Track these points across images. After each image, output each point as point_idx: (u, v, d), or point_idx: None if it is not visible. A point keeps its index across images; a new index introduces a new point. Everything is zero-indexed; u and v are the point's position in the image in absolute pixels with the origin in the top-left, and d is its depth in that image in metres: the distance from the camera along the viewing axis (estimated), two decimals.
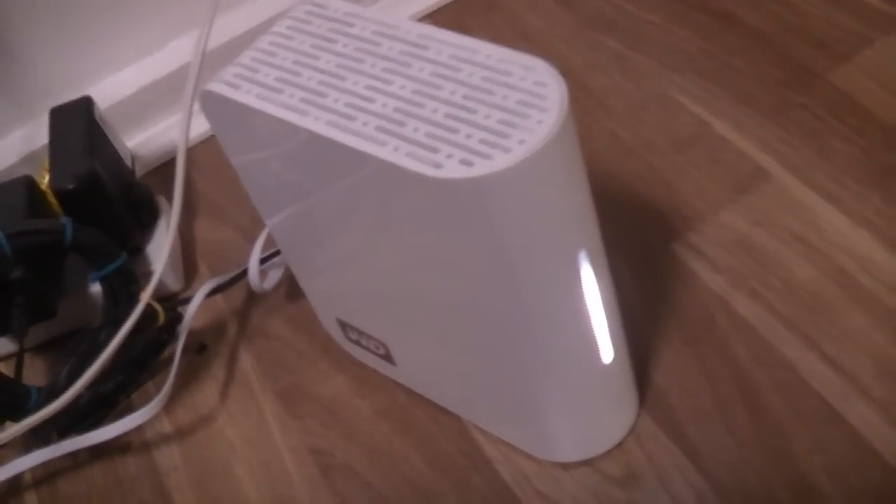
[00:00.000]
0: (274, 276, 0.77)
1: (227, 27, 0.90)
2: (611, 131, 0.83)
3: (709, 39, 0.89)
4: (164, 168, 0.92)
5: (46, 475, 0.74)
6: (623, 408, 0.65)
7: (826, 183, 0.75)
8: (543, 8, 0.97)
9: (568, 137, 0.48)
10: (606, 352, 0.59)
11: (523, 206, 0.48)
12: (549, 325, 0.55)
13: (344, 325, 0.71)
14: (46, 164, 0.77)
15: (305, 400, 0.73)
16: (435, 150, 0.47)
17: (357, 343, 0.71)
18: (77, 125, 0.79)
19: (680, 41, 0.89)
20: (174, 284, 0.82)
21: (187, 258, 0.85)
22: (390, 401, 0.72)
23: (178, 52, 0.92)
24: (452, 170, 0.46)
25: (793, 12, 0.88)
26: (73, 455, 0.73)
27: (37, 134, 0.86)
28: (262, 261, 0.76)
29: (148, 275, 0.80)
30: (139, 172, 0.88)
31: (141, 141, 0.92)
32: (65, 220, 0.71)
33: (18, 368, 0.72)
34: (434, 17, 0.99)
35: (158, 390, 0.73)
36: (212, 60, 0.62)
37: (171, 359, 0.75)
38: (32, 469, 0.73)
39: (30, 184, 0.77)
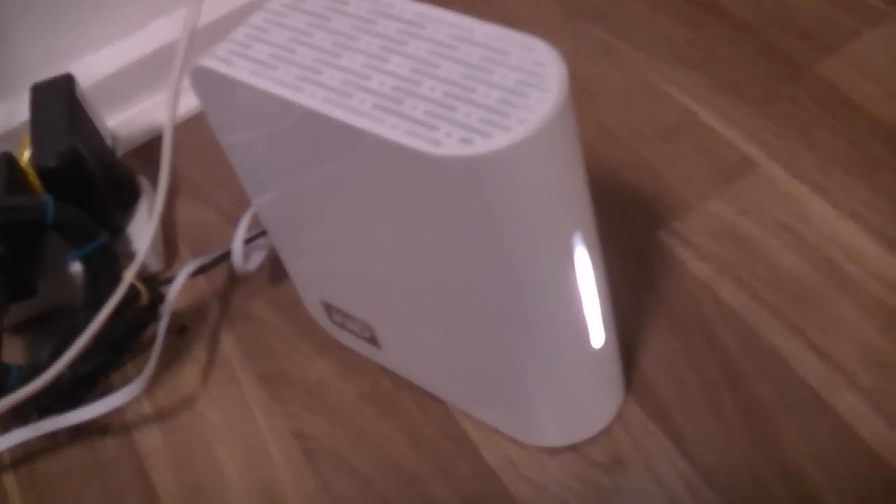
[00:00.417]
0: (257, 258, 0.77)
1: (215, 5, 0.90)
2: (597, 120, 0.83)
3: (694, 29, 0.89)
4: (145, 148, 0.91)
5: (25, 456, 0.73)
6: (610, 393, 0.65)
7: (813, 173, 0.75)
8: None
9: (567, 118, 0.48)
10: (597, 336, 0.59)
11: (522, 185, 0.48)
12: (543, 308, 0.55)
13: (329, 308, 0.70)
14: (26, 140, 0.76)
15: (288, 383, 0.73)
16: (434, 128, 0.47)
17: (342, 326, 0.71)
18: (58, 103, 0.77)
19: (665, 31, 0.89)
20: (155, 265, 0.81)
21: (167, 239, 0.84)
22: (374, 384, 0.71)
23: (160, 31, 0.91)
24: (452, 147, 0.46)
25: (778, 4, 0.88)
26: (53, 435, 0.72)
27: (16, 111, 0.85)
28: (246, 242, 0.75)
29: (128, 255, 0.79)
30: (119, 152, 0.87)
31: (121, 121, 0.91)
32: (46, 198, 0.70)
33: None
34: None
35: (139, 371, 0.73)
36: (198, 39, 0.62)
37: (151, 340, 0.74)
38: (11, 449, 0.72)
39: (9, 161, 0.75)
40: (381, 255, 0.58)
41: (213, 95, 0.57)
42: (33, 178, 0.75)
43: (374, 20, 0.53)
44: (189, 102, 0.59)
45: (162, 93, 0.93)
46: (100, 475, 0.71)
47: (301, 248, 0.67)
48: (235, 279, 0.80)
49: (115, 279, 0.71)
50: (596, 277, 0.56)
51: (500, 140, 0.46)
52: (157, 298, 0.75)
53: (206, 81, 0.56)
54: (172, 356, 0.76)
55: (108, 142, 0.83)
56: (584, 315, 0.57)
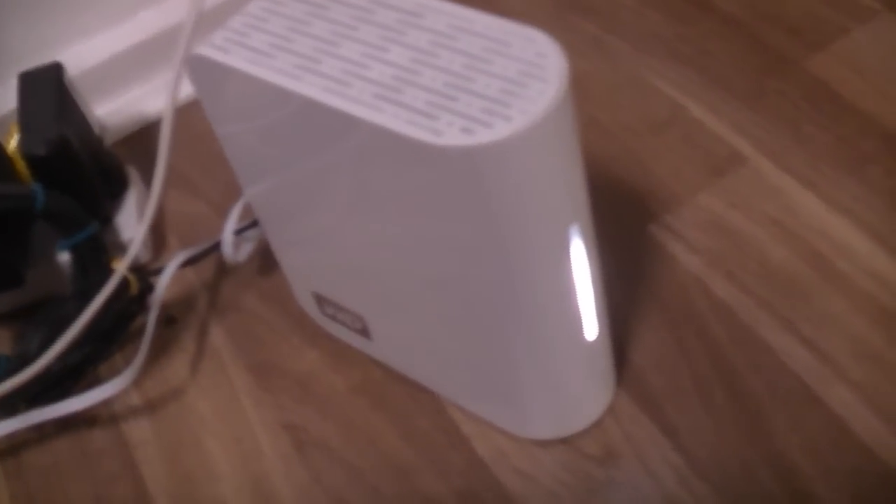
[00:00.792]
0: (247, 249, 0.76)
1: None
2: (588, 114, 0.83)
3: (684, 24, 0.89)
4: (133, 138, 0.90)
5: (11, 447, 0.72)
6: (602, 386, 0.65)
7: (802, 168, 0.75)
8: None
9: (568, 109, 0.48)
10: (590, 329, 0.59)
11: (522, 176, 0.48)
12: (538, 300, 0.55)
13: (320, 299, 0.70)
14: (13, 128, 0.75)
15: (278, 375, 0.73)
16: (434, 118, 0.47)
17: (332, 318, 0.71)
18: (47, 91, 0.77)
19: (656, 26, 0.89)
20: (143, 255, 0.80)
21: (156, 230, 0.83)
22: (365, 376, 0.71)
23: (149, 20, 0.91)
24: (453, 137, 0.46)
25: (768, 0, 0.88)
26: (40, 427, 0.72)
27: (4, 99, 0.84)
28: (236, 233, 0.75)
29: (116, 245, 0.79)
30: (107, 142, 0.87)
31: (110, 110, 0.91)
32: (35, 187, 0.70)
33: None
34: None
35: (127, 363, 0.72)
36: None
37: (140, 331, 0.74)
38: None
39: None
40: (376, 246, 0.58)
41: (209, 84, 0.57)
42: (21, 167, 0.74)
43: (372, 10, 0.53)
44: (180, 92, 0.59)
45: (151, 82, 0.92)
46: (88, 467, 0.71)
47: (293, 239, 0.66)
48: (225, 270, 0.80)
49: (104, 269, 0.71)
50: (591, 270, 0.56)
51: (501, 130, 0.46)
52: (147, 289, 0.74)
53: (202, 70, 0.55)
54: (161, 347, 0.76)
55: (97, 131, 0.82)
56: (578, 307, 0.57)
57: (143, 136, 0.90)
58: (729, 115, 0.80)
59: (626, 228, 0.75)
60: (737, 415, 0.64)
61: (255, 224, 0.75)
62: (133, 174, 0.84)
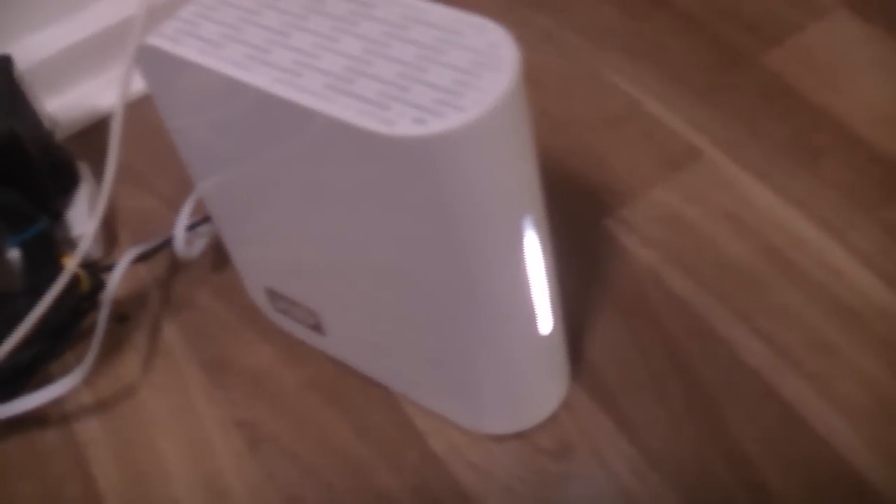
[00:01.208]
0: (200, 245, 0.75)
1: None
2: (542, 108, 0.83)
3: (639, 19, 0.89)
4: (85, 133, 0.89)
5: None
6: (556, 380, 0.65)
7: (758, 162, 0.76)
8: None
9: (520, 98, 0.47)
10: (545, 322, 0.59)
11: (475, 166, 0.47)
12: (492, 293, 0.54)
13: (273, 295, 0.69)
14: None
15: (231, 371, 0.72)
16: (386, 108, 0.47)
17: (285, 313, 0.70)
18: None
19: (610, 20, 0.90)
20: (94, 252, 0.79)
21: (107, 226, 0.82)
22: (318, 372, 0.70)
23: (101, 13, 0.89)
24: (405, 127, 0.46)
25: None
26: None
27: None
28: (189, 228, 0.74)
29: (67, 241, 0.78)
30: (58, 137, 0.85)
31: (61, 104, 0.89)
32: None
33: None
34: None
35: (79, 361, 0.71)
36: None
37: (91, 329, 0.73)
38: None
39: None
40: (329, 240, 0.58)
41: (159, 75, 0.56)
42: None
43: (324, 0, 0.53)
44: (132, 85, 0.58)
45: (103, 76, 0.91)
46: (38, 467, 0.70)
47: (247, 235, 0.66)
48: (177, 266, 0.79)
49: (55, 266, 0.70)
50: (545, 263, 0.56)
51: (454, 120, 0.45)
52: (98, 286, 0.73)
53: (152, 61, 0.55)
54: (113, 345, 0.75)
55: (48, 126, 0.81)
56: (532, 301, 0.56)
57: (95, 131, 0.88)
58: (685, 109, 0.80)
59: (581, 222, 0.75)
60: (692, 407, 0.64)
61: (207, 219, 0.74)
62: (84, 169, 0.83)
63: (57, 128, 0.83)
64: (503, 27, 0.49)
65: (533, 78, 0.85)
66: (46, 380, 0.71)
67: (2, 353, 0.65)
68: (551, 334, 0.60)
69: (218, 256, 0.77)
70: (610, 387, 0.66)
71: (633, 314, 0.69)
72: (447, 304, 0.55)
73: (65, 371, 0.71)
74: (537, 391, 0.64)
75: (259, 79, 0.50)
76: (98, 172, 0.83)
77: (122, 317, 0.76)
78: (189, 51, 0.52)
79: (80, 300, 0.72)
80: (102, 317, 0.72)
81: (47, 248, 0.72)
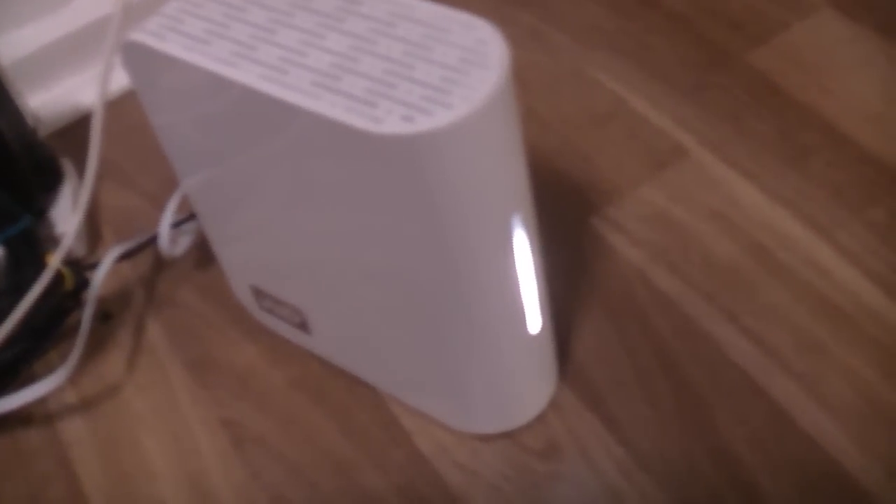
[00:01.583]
0: (184, 243, 0.75)
1: None
2: (528, 106, 0.83)
3: (625, 18, 0.89)
4: (68, 130, 0.88)
5: None
6: (544, 380, 0.65)
7: (744, 161, 0.75)
8: None
9: (509, 96, 0.47)
10: (533, 322, 0.58)
11: (463, 164, 0.47)
12: (481, 292, 0.54)
13: (258, 293, 0.69)
14: None
15: (216, 370, 0.71)
16: (374, 106, 0.46)
17: (271, 312, 0.70)
18: None
19: (596, 18, 0.89)
20: (78, 249, 0.79)
21: (91, 223, 0.82)
22: (304, 371, 0.70)
23: (85, 9, 0.89)
24: (393, 125, 0.45)
25: None
26: None
27: None
28: (173, 226, 0.73)
29: (51, 239, 0.77)
30: (41, 133, 0.85)
31: (44, 101, 0.89)
32: None
33: None
34: None
35: (62, 360, 0.71)
36: (128, 14, 0.60)
37: (75, 327, 0.72)
38: None
39: None
40: (316, 239, 0.57)
41: (143, 72, 0.55)
42: None
43: None
44: (114, 82, 0.58)
45: (86, 73, 0.90)
46: (21, 467, 0.69)
47: (232, 233, 0.65)
48: (161, 265, 0.78)
49: (38, 264, 0.69)
50: (533, 261, 0.55)
51: (442, 117, 0.45)
52: (82, 284, 0.73)
53: (136, 57, 0.54)
54: (97, 344, 0.74)
55: (30, 122, 0.80)
56: (521, 300, 0.56)
57: (78, 128, 0.88)
58: (671, 108, 0.80)
59: (568, 221, 0.74)
60: (680, 407, 0.64)
61: (192, 217, 0.74)
62: (68, 166, 0.82)
63: (40, 124, 0.83)
64: (491, 24, 0.48)
65: (519, 76, 0.85)
66: (30, 379, 0.70)
67: None
68: (539, 334, 0.60)
69: (203, 254, 0.77)
70: (597, 386, 0.66)
71: (620, 313, 0.69)
72: (434, 303, 0.55)
73: (48, 370, 0.70)
74: (525, 391, 0.64)
75: (245, 76, 0.49)
76: (82, 169, 0.82)
77: (107, 315, 0.75)
78: (174, 47, 0.52)
79: (64, 298, 0.72)
80: (86, 315, 0.72)
81: (31, 246, 0.71)
